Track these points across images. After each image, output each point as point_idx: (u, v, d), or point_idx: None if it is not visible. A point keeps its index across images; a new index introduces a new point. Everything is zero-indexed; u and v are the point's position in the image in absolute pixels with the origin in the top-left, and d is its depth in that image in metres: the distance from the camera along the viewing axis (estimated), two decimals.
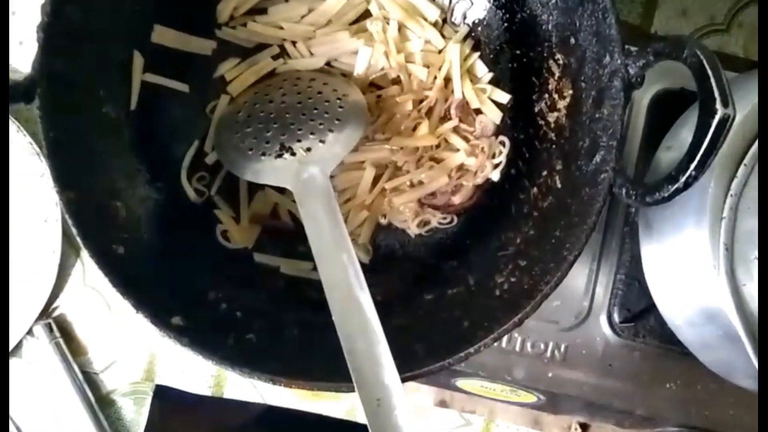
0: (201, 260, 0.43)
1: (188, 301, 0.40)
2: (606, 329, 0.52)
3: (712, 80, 0.33)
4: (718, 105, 0.33)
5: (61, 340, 0.56)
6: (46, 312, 0.56)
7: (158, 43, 0.45)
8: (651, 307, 0.49)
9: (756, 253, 0.39)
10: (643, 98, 0.53)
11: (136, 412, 0.58)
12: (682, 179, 0.34)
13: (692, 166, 0.34)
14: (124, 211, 0.40)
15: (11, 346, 0.55)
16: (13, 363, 0.56)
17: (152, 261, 0.40)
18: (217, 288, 0.42)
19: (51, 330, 0.56)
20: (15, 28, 0.55)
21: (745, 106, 0.40)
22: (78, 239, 0.36)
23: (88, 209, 0.37)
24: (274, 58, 0.47)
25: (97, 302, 0.57)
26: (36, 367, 0.56)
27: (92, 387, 0.57)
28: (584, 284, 0.52)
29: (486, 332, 0.37)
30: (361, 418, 0.56)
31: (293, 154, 0.42)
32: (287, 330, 0.41)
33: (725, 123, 0.33)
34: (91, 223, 0.37)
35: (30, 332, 0.56)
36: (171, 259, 0.41)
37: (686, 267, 0.43)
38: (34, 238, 0.55)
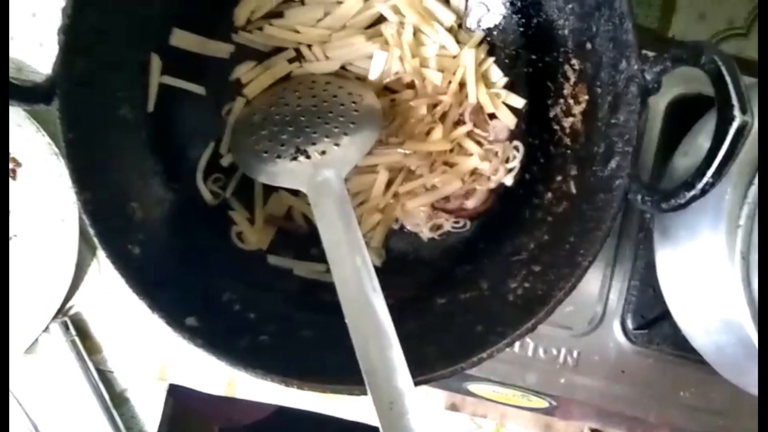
0: (216, 262, 0.44)
1: (203, 302, 0.40)
2: (619, 336, 0.51)
3: (731, 86, 0.33)
4: (736, 112, 0.32)
5: (76, 338, 0.57)
6: (62, 310, 0.57)
7: (177, 46, 0.45)
8: (665, 314, 0.48)
9: None
10: (659, 103, 0.53)
11: (149, 411, 0.59)
12: (699, 186, 0.34)
13: (709, 173, 0.33)
14: (141, 212, 0.40)
15: (28, 344, 0.56)
16: (29, 360, 0.57)
17: (168, 262, 0.41)
18: (231, 289, 0.42)
19: (67, 328, 0.57)
20: (36, 30, 0.56)
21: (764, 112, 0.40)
22: (95, 239, 0.36)
23: (106, 210, 0.37)
24: (290, 61, 0.47)
25: (112, 301, 0.57)
26: (52, 364, 0.57)
27: (107, 385, 0.58)
28: (598, 290, 0.52)
29: (499, 337, 0.37)
30: (372, 420, 0.56)
31: (308, 157, 0.42)
32: (300, 332, 0.41)
33: (743, 130, 0.32)
34: (108, 224, 0.37)
35: (46, 330, 0.56)
36: (186, 261, 0.42)
37: (702, 275, 0.43)
38: (51, 237, 0.55)
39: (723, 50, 0.61)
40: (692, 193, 0.34)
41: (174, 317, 0.37)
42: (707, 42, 0.35)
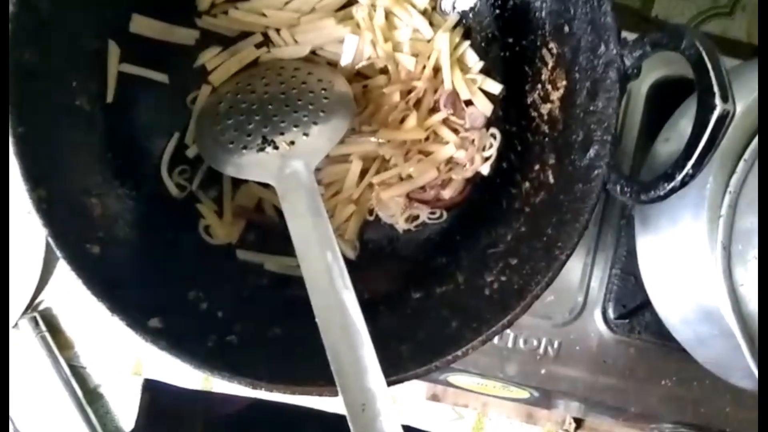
0: (182, 258, 0.42)
1: (167, 301, 0.39)
2: (600, 325, 0.50)
3: (712, 74, 0.32)
4: (718, 100, 0.31)
5: (47, 334, 0.56)
6: (31, 305, 0.56)
7: (137, 33, 0.43)
8: (646, 303, 0.48)
9: (754, 253, 0.37)
10: (641, 86, 0.52)
11: (125, 407, 0.58)
12: (679, 177, 0.33)
13: (689, 163, 0.32)
14: (100, 208, 0.39)
15: None
16: None
17: (130, 260, 0.39)
18: (197, 287, 0.40)
19: (36, 324, 0.55)
20: None
21: (745, 97, 0.38)
22: (49, 240, 0.34)
23: (61, 208, 0.36)
24: (257, 46, 0.45)
25: (82, 295, 0.55)
26: (22, 361, 0.56)
27: (80, 381, 0.57)
28: (578, 279, 0.51)
29: (474, 334, 0.36)
30: None
31: (276, 147, 0.41)
32: (270, 331, 0.40)
33: (725, 119, 0.31)
34: (64, 222, 0.35)
35: (15, 326, 0.55)
36: (150, 258, 0.40)
37: (682, 264, 0.42)
38: (18, 230, 0.54)
39: (706, 31, 0.60)
40: (672, 184, 0.33)
41: (136, 319, 0.35)
42: (688, 26, 0.34)
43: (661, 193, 0.34)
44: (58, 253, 0.34)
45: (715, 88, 0.31)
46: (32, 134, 0.35)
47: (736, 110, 0.32)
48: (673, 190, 0.33)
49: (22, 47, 0.35)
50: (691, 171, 0.32)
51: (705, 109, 0.31)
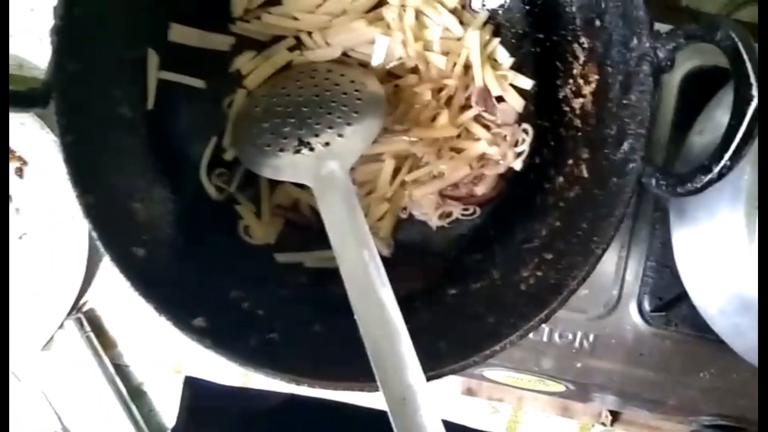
0: (223, 259, 0.43)
1: (210, 300, 0.40)
2: (636, 318, 0.50)
3: (748, 64, 0.32)
4: (755, 91, 0.31)
5: (91, 334, 0.57)
6: (76, 307, 0.57)
7: (176, 41, 0.44)
8: (683, 295, 0.47)
9: None
10: (674, 77, 0.51)
11: (167, 404, 0.59)
12: (716, 170, 0.33)
13: (726, 156, 0.32)
14: (144, 212, 0.40)
15: (44, 341, 0.56)
16: (47, 357, 0.57)
17: (174, 261, 0.40)
18: (239, 286, 0.41)
19: (81, 325, 0.57)
20: (34, 25, 0.55)
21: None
22: (98, 243, 0.36)
23: (108, 212, 0.37)
24: (290, 50, 0.46)
25: (125, 296, 0.57)
26: (69, 360, 0.58)
27: (123, 379, 0.58)
28: (613, 272, 0.51)
29: (511, 329, 0.37)
30: (384, 406, 0.56)
31: (311, 149, 0.41)
32: (310, 327, 0.41)
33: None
34: (112, 227, 0.37)
35: (61, 327, 0.57)
36: (193, 259, 0.41)
37: (720, 255, 0.42)
38: (61, 234, 0.55)
39: (738, 18, 0.59)
40: (709, 177, 0.33)
41: (181, 318, 0.36)
42: (723, 17, 0.33)
43: (698, 186, 0.34)
44: (107, 256, 0.35)
45: (752, 79, 0.31)
46: (79, 142, 0.36)
47: None
48: (711, 183, 0.33)
49: (66, 58, 0.36)
50: (728, 163, 0.32)
51: (742, 100, 0.31)
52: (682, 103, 0.51)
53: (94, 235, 0.36)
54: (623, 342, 0.50)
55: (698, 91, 0.48)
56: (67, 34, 0.36)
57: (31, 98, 0.35)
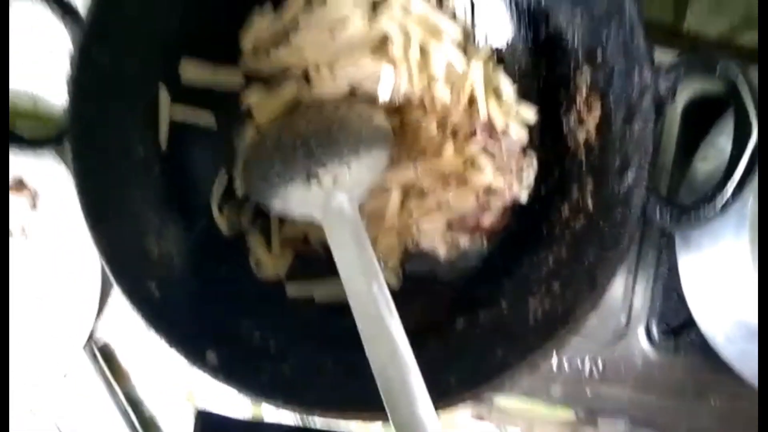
0: (234, 292, 0.44)
1: (223, 333, 0.40)
2: (645, 344, 0.50)
3: (747, 98, 0.32)
4: (754, 124, 0.32)
5: (104, 366, 0.58)
6: (89, 338, 0.58)
7: (187, 80, 0.45)
8: (691, 321, 0.48)
9: None
10: (677, 103, 0.52)
11: None
12: (718, 203, 0.33)
13: (729, 189, 0.33)
14: (157, 248, 0.41)
15: (62, 373, 0.57)
16: (61, 387, 0.58)
17: (186, 296, 0.41)
18: (250, 320, 0.42)
19: (95, 356, 0.58)
20: (51, 65, 0.56)
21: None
22: (112, 280, 0.36)
23: (122, 249, 0.38)
24: (298, 85, 0.47)
25: (137, 328, 0.58)
26: (82, 392, 0.58)
27: (136, 411, 0.59)
28: (621, 297, 0.51)
29: (520, 360, 0.37)
30: None
31: (320, 183, 0.42)
32: (322, 359, 0.41)
33: None
34: (125, 263, 0.38)
35: (75, 358, 0.57)
36: (205, 293, 0.42)
37: (726, 282, 0.42)
38: (73, 266, 0.56)
39: (740, 44, 0.59)
40: (711, 209, 0.33)
41: (194, 353, 0.37)
42: (721, 50, 0.34)
43: (701, 218, 0.34)
44: (121, 292, 0.36)
45: (751, 113, 0.32)
46: (94, 184, 0.37)
47: None
48: (713, 215, 0.34)
49: (82, 105, 0.37)
50: (730, 197, 0.33)
51: (742, 134, 0.32)
52: (686, 128, 0.51)
53: (108, 271, 0.36)
54: (633, 368, 0.51)
55: (702, 117, 0.48)
56: (84, 82, 0.37)
57: (47, 142, 0.36)
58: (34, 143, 0.35)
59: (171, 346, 0.37)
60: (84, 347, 0.57)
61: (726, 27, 0.59)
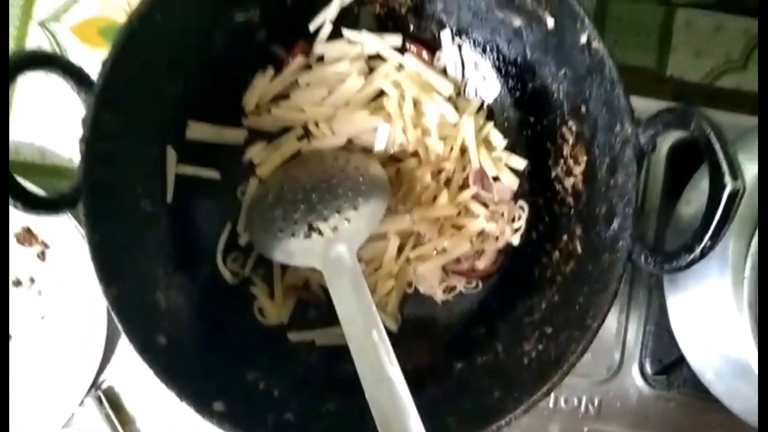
0: (239, 341, 0.45)
1: (228, 383, 0.42)
2: (639, 381, 0.52)
3: (720, 153, 0.34)
4: (727, 179, 0.33)
5: (110, 411, 0.59)
6: (95, 384, 0.59)
7: (194, 138, 0.47)
8: (683, 358, 0.49)
9: None
10: (661, 148, 0.53)
11: None
12: (698, 250, 0.35)
13: (706, 237, 0.34)
14: (165, 300, 0.42)
15: (65, 419, 0.58)
16: None
17: (193, 347, 0.42)
18: (255, 368, 0.43)
19: (101, 402, 0.59)
20: (58, 120, 0.58)
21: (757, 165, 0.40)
22: (123, 333, 0.38)
23: (132, 304, 0.39)
24: (299, 139, 0.49)
25: (142, 373, 0.59)
26: None
27: None
28: (614, 336, 0.52)
29: (516, 403, 0.38)
30: None
31: (320, 233, 0.44)
32: (324, 405, 0.43)
33: (735, 195, 0.33)
34: (135, 317, 0.39)
35: (81, 404, 0.58)
36: (211, 343, 0.43)
37: (712, 322, 0.43)
38: (81, 315, 0.57)
39: (720, 86, 0.61)
40: (692, 256, 0.35)
41: (202, 404, 0.38)
42: (694, 108, 0.36)
43: (683, 264, 0.36)
44: (133, 349, 0.37)
45: (724, 168, 0.33)
46: (105, 239, 0.39)
47: (748, 180, 0.34)
48: (694, 261, 0.35)
49: (93, 164, 0.39)
50: (709, 243, 0.34)
51: (716, 186, 0.34)
52: (671, 172, 0.53)
53: (120, 326, 0.38)
54: (628, 405, 0.52)
55: (686, 160, 0.50)
56: (95, 142, 0.38)
57: (61, 202, 0.38)
58: (49, 206, 0.37)
59: (180, 399, 0.38)
60: (90, 393, 0.58)
61: (707, 70, 0.61)
